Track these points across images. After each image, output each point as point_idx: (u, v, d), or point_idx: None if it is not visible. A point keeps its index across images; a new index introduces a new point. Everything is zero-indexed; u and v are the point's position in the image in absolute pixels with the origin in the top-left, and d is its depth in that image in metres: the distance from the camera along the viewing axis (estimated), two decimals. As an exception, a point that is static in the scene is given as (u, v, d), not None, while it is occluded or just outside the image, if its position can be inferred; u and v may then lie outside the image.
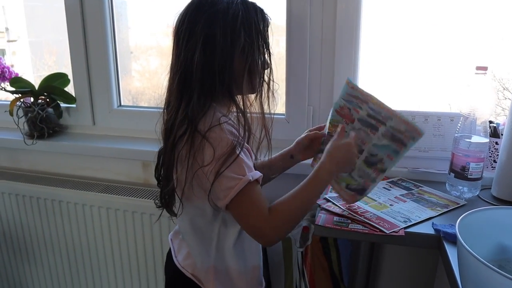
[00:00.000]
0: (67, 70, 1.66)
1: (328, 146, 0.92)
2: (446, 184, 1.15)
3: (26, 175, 1.67)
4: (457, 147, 1.09)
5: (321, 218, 1.00)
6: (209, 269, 0.97)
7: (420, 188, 1.17)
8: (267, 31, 0.93)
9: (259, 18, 0.90)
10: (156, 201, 0.99)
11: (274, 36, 1.42)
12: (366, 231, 0.94)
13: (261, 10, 0.92)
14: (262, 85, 0.94)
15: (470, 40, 1.31)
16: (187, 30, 0.88)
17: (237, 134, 0.86)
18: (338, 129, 0.95)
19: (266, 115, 0.96)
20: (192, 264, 0.99)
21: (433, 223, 0.96)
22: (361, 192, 0.99)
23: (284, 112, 1.42)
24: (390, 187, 1.18)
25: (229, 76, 0.87)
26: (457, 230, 0.73)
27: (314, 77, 1.35)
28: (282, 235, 0.87)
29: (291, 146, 1.10)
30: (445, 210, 1.03)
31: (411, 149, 1.22)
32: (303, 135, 1.10)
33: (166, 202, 0.97)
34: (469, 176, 1.08)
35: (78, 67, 1.61)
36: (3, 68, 1.59)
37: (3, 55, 2.56)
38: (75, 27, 1.57)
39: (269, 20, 0.94)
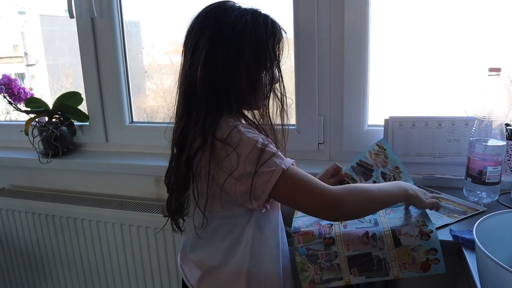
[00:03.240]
0: (84, 91, 1.68)
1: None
2: (464, 190, 1.12)
3: (42, 194, 1.69)
4: (473, 151, 1.07)
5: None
6: (240, 274, 0.93)
7: (438, 195, 1.14)
8: (279, 46, 0.90)
9: (269, 34, 0.87)
10: (164, 210, 0.97)
11: (286, 50, 1.41)
12: (381, 240, 0.92)
13: (273, 24, 0.89)
14: (269, 101, 0.93)
15: (482, 42, 1.29)
16: (192, 43, 0.87)
17: (257, 132, 0.87)
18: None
19: (277, 127, 0.96)
20: (209, 283, 0.96)
21: (450, 230, 0.93)
22: None
23: (294, 123, 1.41)
24: (405, 194, 1.15)
25: (234, 93, 0.87)
26: (474, 235, 0.70)
27: (323, 87, 1.35)
28: (352, 203, 0.83)
29: (321, 172, 1.15)
30: (463, 216, 1.00)
31: (426, 155, 1.21)
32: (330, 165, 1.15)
33: (173, 211, 0.95)
34: (486, 181, 1.05)
35: (91, 85, 1.64)
36: (19, 89, 1.63)
37: (23, 79, 2.63)
38: (87, 48, 1.60)
39: (283, 34, 0.91)
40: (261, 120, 0.96)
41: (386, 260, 0.89)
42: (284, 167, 0.81)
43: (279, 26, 0.90)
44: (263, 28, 0.86)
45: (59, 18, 2.16)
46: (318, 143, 1.39)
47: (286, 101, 0.96)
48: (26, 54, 2.69)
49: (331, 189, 0.82)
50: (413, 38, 1.35)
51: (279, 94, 0.94)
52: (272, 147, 0.83)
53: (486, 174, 1.04)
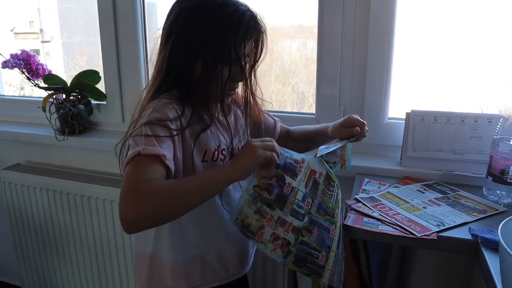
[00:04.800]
0: (98, 70, 1.68)
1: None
2: (483, 188, 1.10)
3: (57, 171, 1.70)
4: (496, 150, 1.05)
5: (350, 218, 0.98)
6: (145, 258, 0.95)
7: (457, 192, 1.12)
8: (244, 43, 0.84)
9: (231, 27, 0.82)
10: None
11: (302, 38, 1.38)
12: (396, 234, 0.91)
13: (241, 17, 0.82)
14: (224, 96, 0.89)
15: (509, 39, 1.26)
16: (164, 25, 0.89)
17: (173, 115, 0.82)
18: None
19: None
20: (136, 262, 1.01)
21: (470, 228, 0.91)
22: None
23: (314, 112, 1.40)
24: (425, 190, 1.13)
25: (181, 79, 0.86)
26: (499, 235, 0.69)
27: (345, 77, 1.33)
28: (141, 218, 0.69)
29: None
30: (483, 215, 0.99)
31: (446, 152, 1.20)
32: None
33: None
34: (508, 180, 1.03)
35: (109, 65, 1.63)
36: (37, 65, 1.63)
37: (37, 55, 2.62)
38: (107, 26, 1.59)
39: (252, 32, 0.85)
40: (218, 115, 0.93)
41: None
42: (140, 150, 0.73)
43: (252, 22, 0.84)
44: (226, 19, 0.82)
45: (76, -4, 2.15)
46: (336, 134, 1.38)
47: (250, 101, 0.95)
48: (41, 30, 2.68)
49: (132, 201, 0.69)
50: (439, 32, 1.32)
51: (244, 93, 0.93)
52: (153, 129, 0.77)
53: (508, 173, 1.03)
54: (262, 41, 0.89)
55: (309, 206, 0.85)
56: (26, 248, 1.79)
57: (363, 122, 1.00)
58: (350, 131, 0.99)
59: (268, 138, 0.84)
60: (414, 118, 1.23)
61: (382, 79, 1.29)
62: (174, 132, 0.81)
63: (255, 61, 0.92)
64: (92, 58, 1.99)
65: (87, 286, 1.72)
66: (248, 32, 0.84)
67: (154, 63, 0.89)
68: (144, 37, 1.59)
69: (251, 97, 0.95)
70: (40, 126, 1.75)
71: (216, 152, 0.91)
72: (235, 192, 0.96)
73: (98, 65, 1.68)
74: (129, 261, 1.59)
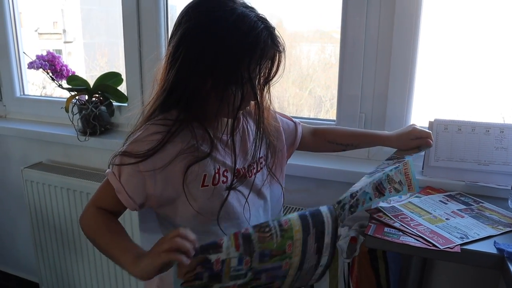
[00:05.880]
0: (118, 71, 1.70)
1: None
2: (509, 201, 1.08)
3: (78, 170, 1.73)
4: (523, 162, 1.02)
5: (371, 227, 0.96)
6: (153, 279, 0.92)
7: (481, 204, 1.10)
8: (260, 64, 0.79)
9: (247, 50, 0.77)
10: None
11: (320, 43, 1.36)
12: (418, 245, 0.89)
13: (258, 36, 0.76)
14: (236, 115, 0.83)
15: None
16: (170, 35, 0.84)
17: (149, 146, 0.80)
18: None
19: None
20: None
21: (495, 242, 0.89)
22: None
23: (334, 118, 1.39)
24: (448, 200, 1.11)
25: (188, 98, 0.81)
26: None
27: (367, 83, 1.31)
28: (82, 228, 0.87)
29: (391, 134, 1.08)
30: (508, 229, 0.96)
31: (470, 162, 1.17)
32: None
33: None
34: (536, 194, 1.00)
35: (132, 67, 1.65)
36: (61, 66, 1.65)
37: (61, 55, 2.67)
38: (131, 29, 1.61)
39: (270, 51, 0.80)
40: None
41: None
42: (111, 170, 0.83)
43: (268, 42, 0.79)
44: (240, 41, 0.76)
45: (98, -3, 2.19)
46: (357, 141, 1.36)
47: (262, 124, 0.88)
48: (64, 31, 2.73)
49: (83, 215, 0.86)
50: (462, 39, 1.30)
51: (257, 116, 0.86)
52: (123, 159, 0.81)
53: (535, 186, 1.00)
54: (279, 59, 0.83)
55: (249, 264, 0.75)
56: (46, 245, 1.82)
57: (429, 132, 1.04)
58: (419, 142, 1.02)
59: (177, 233, 0.69)
60: (437, 127, 1.20)
61: (405, 86, 1.27)
62: (141, 165, 0.80)
63: (269, 79, 0.86)
64: (112, 59, 2.02)
65: (104, 284, 1.73)
66: (263, 53, 0.79)
67: (157, 78, 0.85)
68: (166, 40, 1.60)
69: (263, 115, 0.88)
70: (63, 126, 1.78)
71: (217, 175, 0.86)
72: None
73: (118, 66, 1.69)
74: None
